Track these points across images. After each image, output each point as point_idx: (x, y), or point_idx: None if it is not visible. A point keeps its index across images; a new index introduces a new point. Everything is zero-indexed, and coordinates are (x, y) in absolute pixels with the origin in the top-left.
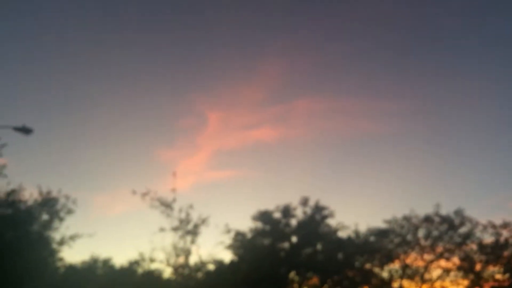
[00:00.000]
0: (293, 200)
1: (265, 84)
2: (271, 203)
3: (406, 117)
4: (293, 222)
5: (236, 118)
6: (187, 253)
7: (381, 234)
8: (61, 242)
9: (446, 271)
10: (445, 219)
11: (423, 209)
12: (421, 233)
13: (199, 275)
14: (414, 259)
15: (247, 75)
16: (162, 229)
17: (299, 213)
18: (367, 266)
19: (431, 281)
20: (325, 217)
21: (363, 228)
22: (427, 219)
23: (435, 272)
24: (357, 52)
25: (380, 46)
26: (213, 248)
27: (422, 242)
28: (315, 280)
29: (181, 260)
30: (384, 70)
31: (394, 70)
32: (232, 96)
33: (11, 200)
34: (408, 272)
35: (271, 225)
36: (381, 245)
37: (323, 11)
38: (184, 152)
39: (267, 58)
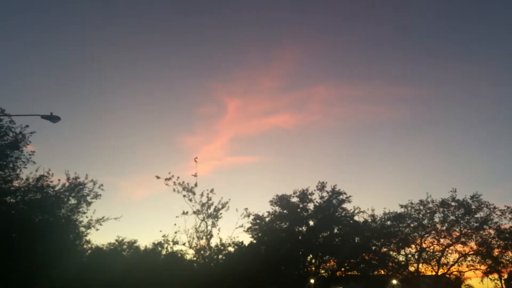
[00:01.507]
0: (310, 185)
1: (282, 71)
2: (289, 188)
3: (423, 103)
4: (310, 206)
5: (254, 105)
6: (209, 235)
7: (397, 218)
8: (88, 225)
9: (463, 255)
10: (462, 204)
11: (439, 194)
12: (437, 217)
13: (220, 257)
14: (430, 243)
15: (265, 62)
16: (184, 213)
17: (316, 197)
18: (384, 249)
19: (448, 265)
20: (341, 201)
21: (379, 212)
22: (444, 204)
23: (452, 257)
24: (374, 38)
25: (398, 32)
26: (233, 231)
27: (439, 226)
28: (332, 263)
29: (202, 242)
30: (402, 56)
31: (412, 55)
32: (250, 83)
33: (40, 185)
34: (424, 256)
35: (289, 209)
36: (398, 229)
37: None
38: (204, 139)
39: (284, 45)
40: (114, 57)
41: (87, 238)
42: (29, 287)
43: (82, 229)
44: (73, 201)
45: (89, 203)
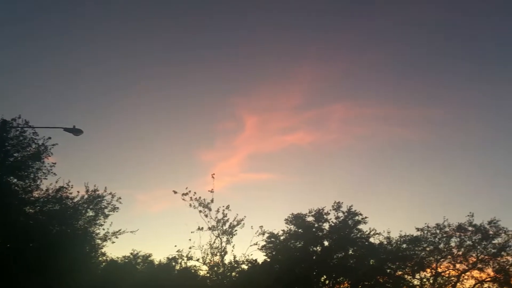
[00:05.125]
0: (326, 204)
1: (301, 89)
2: (305, 207)
3: (442, 123)
4: (326, 226)
5: (272, 122)
6: (223, 252)
7: (413, 241)
8: (104, 238)
9: (480, 282)
10: (479, 229)
11: (456, 218)
12: (453, 242)
13: (233, 274)
14: (446, 268)
15: (285, 80)
16: (200, 228)
17: (332, 217)
18: (399, 273)
19: None
20: (357, 222)
21: (395, 234)
22: (460, 228)
23: (468, 283)
24: (393, 59)
25: (416, 52)
26: (247, 249)
27: (455, 251)
28: (346, 285)
29: (216, 259)
30: (420, 76)
31: (431, 76)
32: (270, 100)
33: (59, 197)
34: (439, 281)
35: (304, 228)
36: (413, 252)
37: (359, 17)
38: (222, 154)
39: (304, 64)
40: (136, 71)
41: (103, 250)
42: None
43: (98, 241)
44: (91, 213)
45: (106, 216)
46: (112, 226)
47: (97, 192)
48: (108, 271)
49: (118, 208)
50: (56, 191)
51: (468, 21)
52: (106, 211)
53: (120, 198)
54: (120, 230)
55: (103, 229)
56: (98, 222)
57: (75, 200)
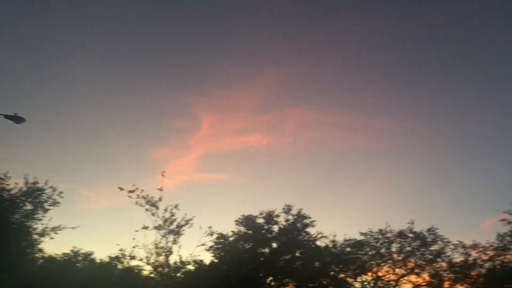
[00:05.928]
0: (277, 207)
1: (260, 92)
2: (256, 208)
3: (390, 135)
4: (275, 228)
5: (228, 123)
6: (168, 252)
7: (356, 245)
8: (42, 233)
9: (416, 286)
10: (418, 236)
11: (398, 224)
12: (394, 247)
13: (179, 275)
14: (386, 272)
15: (244, 81)
16: (145, 227)
17: (282, 220)
18: (342, 275)
19: None
20: (306, 225)
21: (340, 238)
22: (401, 235)
23: (406, 287)
24: (351, 68)
25: (375, 61)
26: (194, 249)
27: (395, 256)
28: (291, 287)
29: (161, 259)
30: (378, 85)
31: (388, 86)
32: (227, 101)
33: None
34: (379, 285)
35: (254, 230)
36: (356, 256)
37: (321, 24)
38: (175, 152)
39: (264, 67)
40: (85, 63)
41: (40, 246)
42: None
43: (36, 236)
44: (29, 206)
45: (46, 210)
46: (51, 221)
47: (37, 185)
48: (45, 268)
49: (58, 202)
50: None
51: (434, 29)
52: (45, 205)
53: (61, 192)
54: (60, 225)
55: (42, 224)
56: (36, 216)
57: (12, 192)
